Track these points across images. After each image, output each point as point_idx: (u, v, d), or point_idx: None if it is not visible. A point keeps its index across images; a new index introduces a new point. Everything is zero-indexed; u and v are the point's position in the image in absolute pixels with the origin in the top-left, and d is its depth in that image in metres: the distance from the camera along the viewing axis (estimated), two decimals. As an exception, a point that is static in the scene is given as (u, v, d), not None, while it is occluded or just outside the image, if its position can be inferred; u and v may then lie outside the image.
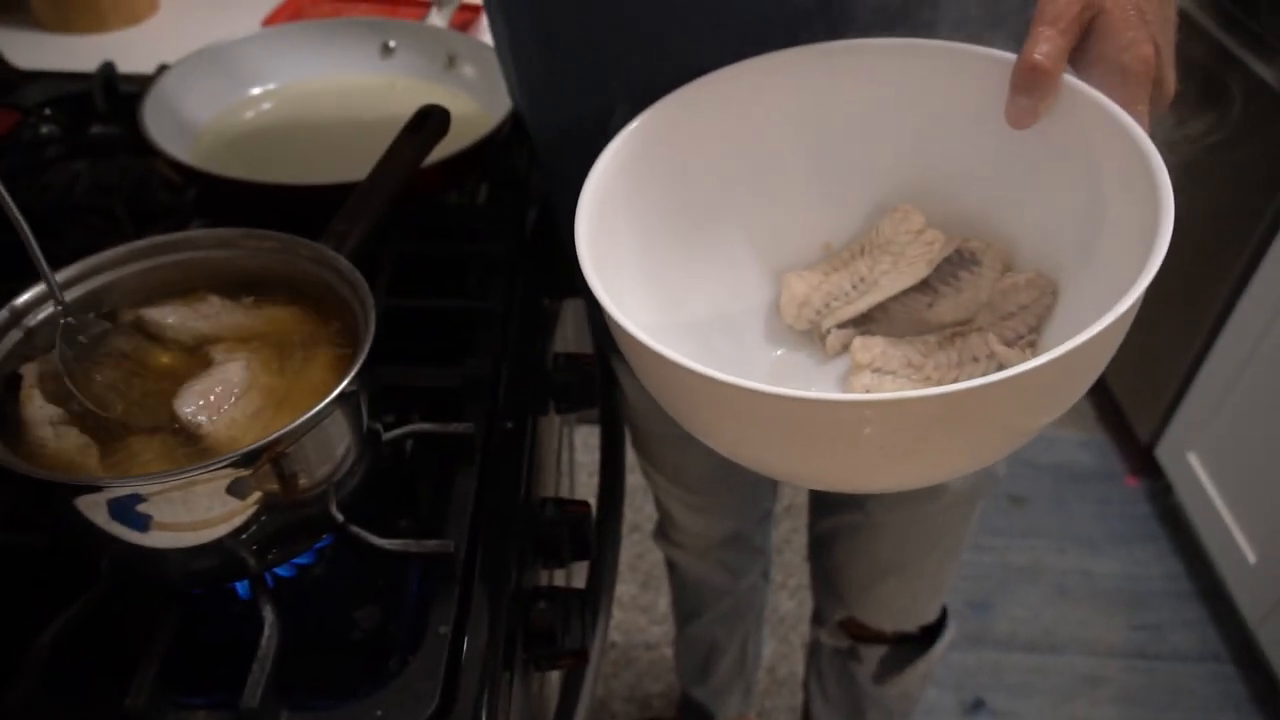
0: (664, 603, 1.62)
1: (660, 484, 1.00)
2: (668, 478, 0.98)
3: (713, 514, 1.03)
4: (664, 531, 1.12)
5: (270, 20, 1.10)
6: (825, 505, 0.97)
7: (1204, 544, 1.66)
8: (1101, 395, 2.01)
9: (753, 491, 1.05)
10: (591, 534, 0.67)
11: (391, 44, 0.94)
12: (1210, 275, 1.61)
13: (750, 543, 1.13)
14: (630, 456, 0.91)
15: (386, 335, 0.67)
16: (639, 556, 1.71)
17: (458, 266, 0.76)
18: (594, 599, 0.67)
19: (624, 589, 1.66)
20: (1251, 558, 1.52)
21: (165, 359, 0.54)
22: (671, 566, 1.20)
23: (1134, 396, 1.87)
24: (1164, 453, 1.77)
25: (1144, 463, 1.85)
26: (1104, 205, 0.45)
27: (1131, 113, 0.46)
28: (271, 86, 0.90)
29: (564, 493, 0.93)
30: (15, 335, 0.52)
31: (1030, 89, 0.47)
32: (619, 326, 0.43)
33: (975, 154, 0.52)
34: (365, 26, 0.94)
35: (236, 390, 0.50)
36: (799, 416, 0.38)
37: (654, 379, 0.44)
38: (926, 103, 0.52)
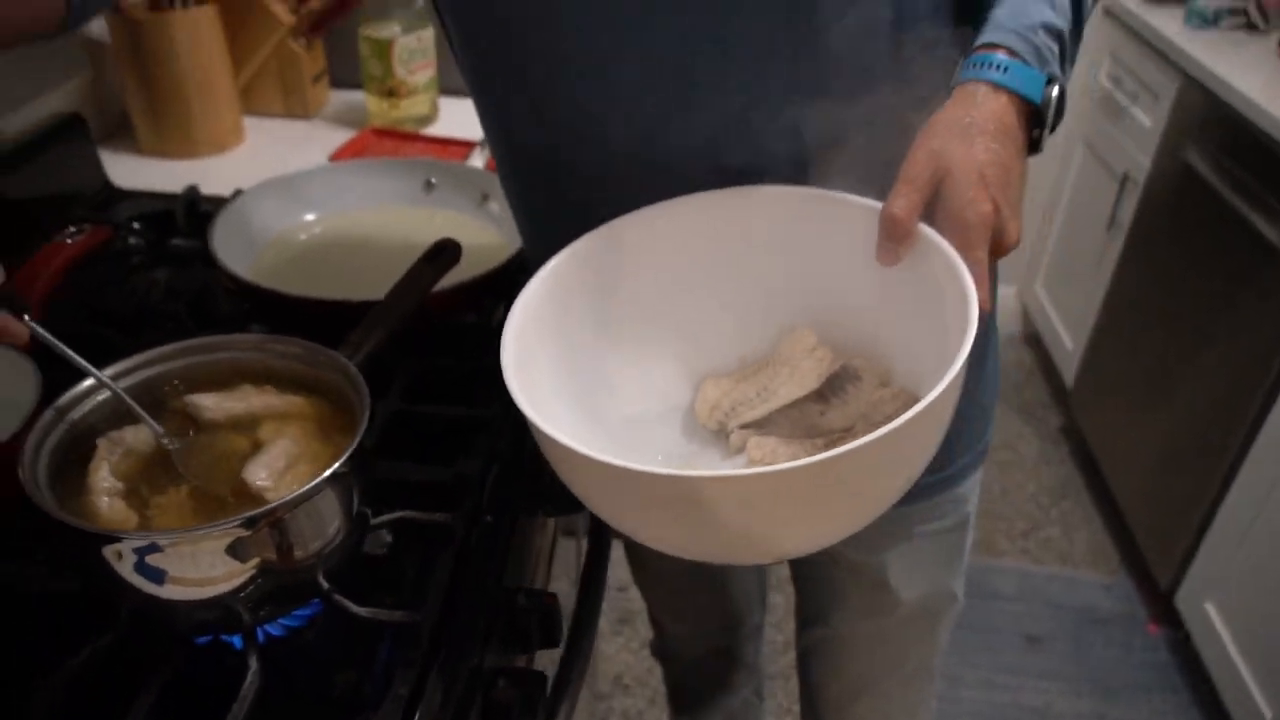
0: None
1: (645, 588, 1.06)
2: (649, 580, 1.04)
3: (696, 621, 1.09)
4: (656, 642, 1.17)
5: (337, 155, 1.25)
6: (802, 621, 1.02)
7: (1221, 697, 1.64)
8: (1124, 539, 2.02)
9: (735, 597, 1.10)
10: (559, 624, 0.75)
11: (434, 180, 1.07)
12: (1223, 426, 1.64)
13: (740, 658, 1.17)
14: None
15: (397, 434, 0.77)
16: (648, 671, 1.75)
17: (468, 379, 0.86)
18: (561, 685, 0.74)
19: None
20: (1268, 714, 1.50)
21: (228, 441, 0.64)
22: (666, 678, 1.24)
23: (1154, 543, 1.88)
24: (1183, 602, 1.77)
25: (1165, 610, 1.84)
26: (948, 333, 0.54)
27: (970, 258, 0.55)
28: (326, 214, 1.04)
29: (554, 588, 1.00)
30: (79, 412, 0.62)
31: (891, 235, 0.57)
32: (529, 420, 0.52)
33: (857, 286, 0.61)
34: (412, 165, 1.08)
35: (286, 461, 0.60)
36: (661, 490, 0.47)
37: (561, 468, 0.53)
38: (816, 243, 0.63)
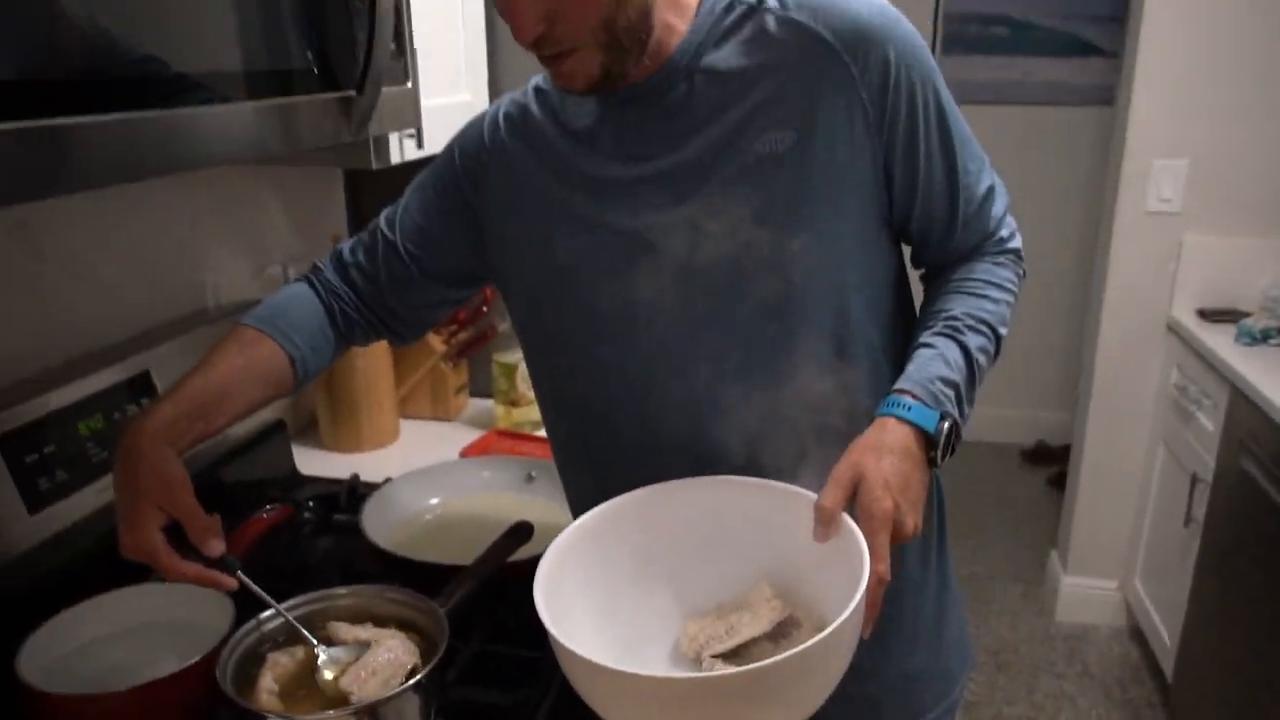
0: None
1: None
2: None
3: None
4: None
5: (466, 452, 1.60)
6: None
7: None
8: None
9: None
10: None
11: (533, 474, 1.38)
12: None
13: None
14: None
15: (476, 667, 1.02)
16: None
17: (535, 628, 1.11)
18: None
19: None
20: None
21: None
22: None
23: None
24: None
25: None
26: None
27: (874, 541, 0.77)
28: (448, 497, 1.36)
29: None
30: (255, 636, 0.91)
31: (820, 521, 0.80)
32: (546, 627, 0.75)
33: (801, 555, 0.83)
34: (518, 462, 1.40)
35: (370, 672, 0.86)
36: (631, 687, 0.70)
37: (569, 672, 0.76)
38: (772, 522, 0.85)
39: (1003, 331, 0.95)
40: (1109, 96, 3.37)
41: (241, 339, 0.95)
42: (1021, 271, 1.01)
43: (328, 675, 0.88)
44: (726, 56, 0.86)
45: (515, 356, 1.70)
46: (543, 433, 1.69)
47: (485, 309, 1.74)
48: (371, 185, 1.88)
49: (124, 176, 0.77)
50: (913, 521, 0.81)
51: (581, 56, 0.81)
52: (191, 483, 0.84)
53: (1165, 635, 2.41)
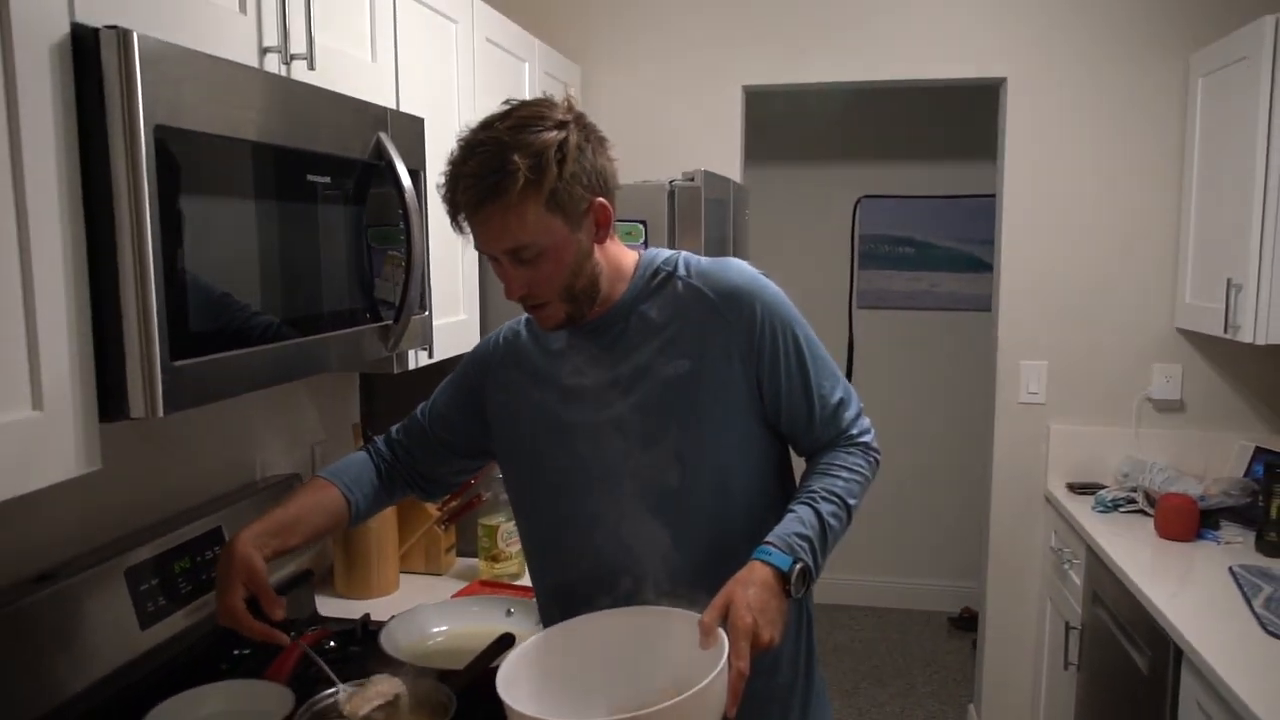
0: None
1: None
2: None
3: None
4: None
5: (458, 594, 1.97)
6: None
7: None
8: None
9: None
10: None
11: (512, 610, 1.76)
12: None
13: None
14: None
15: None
16: None
17: None
18: None
19: None
20: None
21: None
22: None
23: None
24: None
25: None
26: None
27: (736, 646, 1.09)
28: (447, 628, 1.72)
29: None
30: (314, 710, 1.27)
31: (703, 632, 1.13)
32: (502, 701, 1.08)
33: (695, 661, 1.11)
34: (499, 600, 1.78)
35: (368, 697, 1.22)
36: None
37: None
38: (674, 634, 1.15)
39: (851, 503, 1.26)
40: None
41: (315, 485, 1.37)
42: (872, 459, 1.32)
43: (344, 707, 1.24)
44: (650, 306, 1.29)
45: (496, 520, 2.10)
46: (519, 582, 2.08)
47: (473, 482, 2.15)
48: (381, 385, 2.34)
49: (283, 379, 1.23)
50: (768, 634, 1.11)
51: (552, 308, 1.24)
52: (268, 574, 1.23)
53: (1063, 774, 2.73)
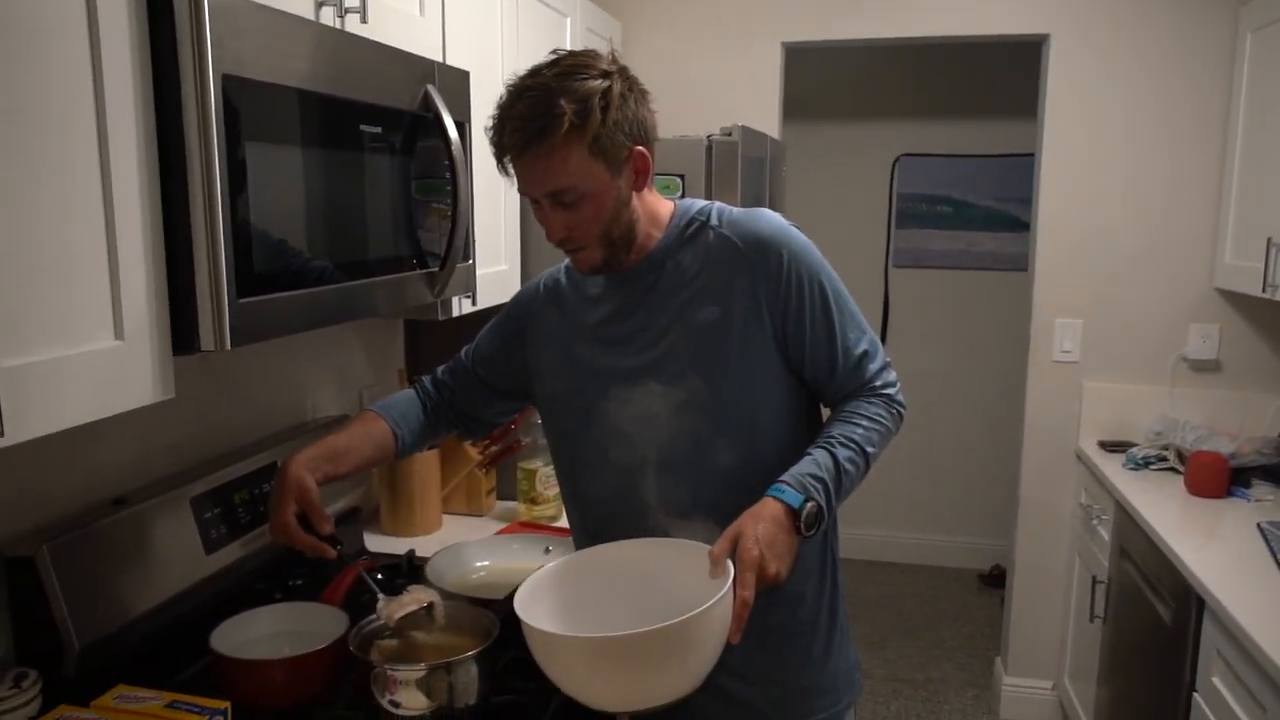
0: None
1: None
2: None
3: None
4: None
5: (501, 531, 2.05)
6: None
7: None
8: None
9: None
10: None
11: (550, 548, 1.84)
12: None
13: None
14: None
15: (512, 667, 1.44)
16: None
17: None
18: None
19: None
20: None
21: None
22: None
23: None
24: None
25: None
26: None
27: (742, 579, 1.09)
28: (489, 563, 1.81)
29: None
30: (367, 630, 1.35)
31: (712, 561, 1.18)
32: (519, 617, 1.14)
33: (704, 588, 1.14)
34: (539, 539, 1.86)
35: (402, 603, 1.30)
36: (556, 645, 1.08)
37: (531, 645, 1.12)
38: (686, 563, 1.20)
39: (869, 450, 1.28)
40: (1036, 264, 3.97)
41: (365, 417, 1.44)
42: (895, 411, 1.34)
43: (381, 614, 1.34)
44: (684, 256, 1.34)
45: (535, 464, 2.18)
46: (557, 524, 2.15)
47: (513, 427, 2.23)
48: (425, 332, 2.41)
49: (336, 320, 1.30)
50: (774, 567, 1.14)
51: (589, 251, 1.29)
52: (318, 491, 1.31)
53: (1087, 725, 2.79)
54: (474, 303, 1.94)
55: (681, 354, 1.31)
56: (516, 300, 1.52)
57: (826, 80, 4.31)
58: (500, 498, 2.34)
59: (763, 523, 1.16)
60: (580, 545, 1.52)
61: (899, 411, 1.36)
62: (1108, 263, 2.96)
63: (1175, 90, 2.86)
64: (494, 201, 2.09)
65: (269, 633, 1.44)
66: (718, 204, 1.38)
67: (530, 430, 2.21)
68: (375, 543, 2.05)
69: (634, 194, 1.29)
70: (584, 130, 1.20)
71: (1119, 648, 2.53)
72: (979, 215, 4.31)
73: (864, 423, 1.30)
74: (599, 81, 1.21)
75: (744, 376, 1.31)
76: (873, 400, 1.34)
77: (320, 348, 2.04)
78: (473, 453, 2.22)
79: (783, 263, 1.30)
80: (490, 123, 1.25)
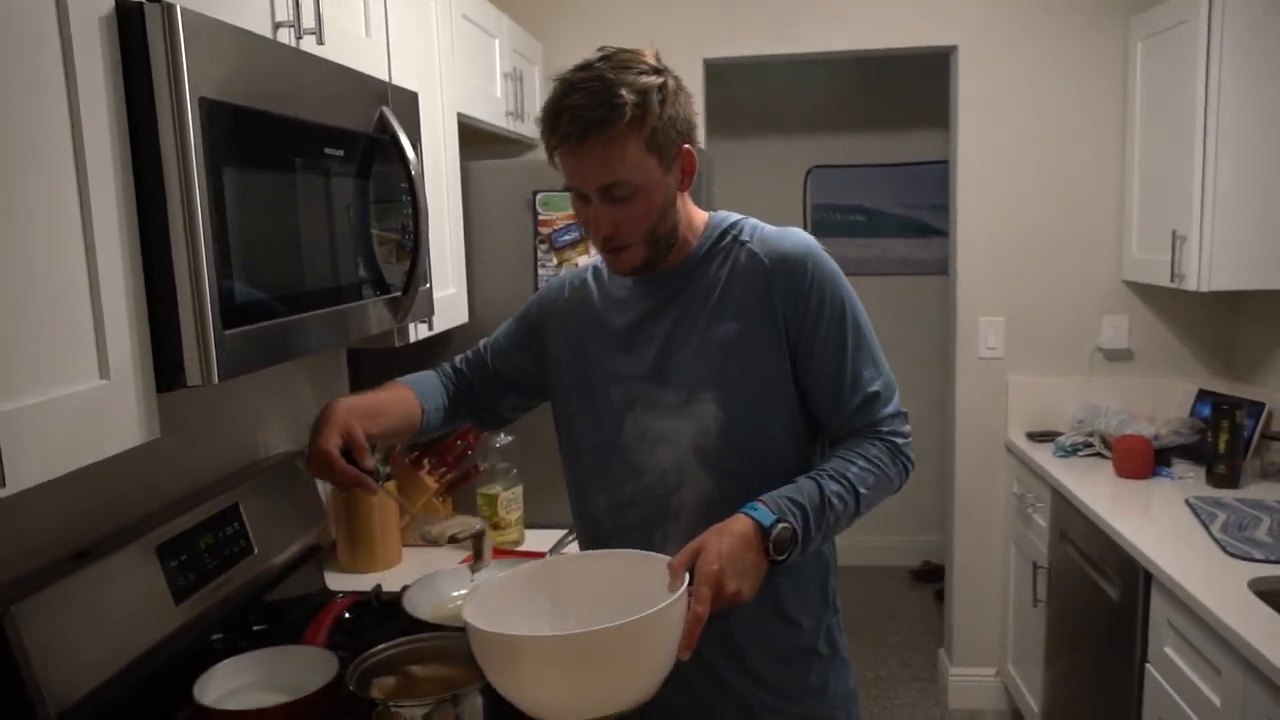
0: None
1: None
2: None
3: None
4: None
5: (466, 559, 2.00)
6: None
7: None
8: None
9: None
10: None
11: (524, 572, 1.80)
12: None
13: None
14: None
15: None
16: None
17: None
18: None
19: None
20: None
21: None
22: None
23: None
24: None
25: None
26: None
27: (698, 593, 1.05)
28: (464, 591, 1.76)
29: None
30: (363, 668, 1.31)
31: (672, 574, 1.14)
32: (465, 622, 1.11)
33: (662, 591, 1.13)
34: (511, 564, 1.82)
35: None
36: (506, 646, 1.02)
37: (477, 654, 1.07)
38: (647, 575, 1.16)
39: (862, 490, 1.24)
40: (946, 267, 4.11)
41: (396, 386, 1.41)
42: (900, 462, 1.30)
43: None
44: (714, 266, 1.32)
45: (495, 489, 2.14)
46: (519, 548, 2.12)
47: (469, 452, 2.19)
48: (368, 363, 2.35)
49: (315, 349, 1.25)
50: (734, 584, 1.09)
51: (632, 250, 1.27)
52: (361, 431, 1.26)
53: (1035, 707, 2.88)
54: (430, 327, 1.90)
55: (697, 366, 1.30)
56: (539, 297, 1.50)
57: (740, 96, 4.40)
58: (457, 526, 2.29)
59: (728, 538, 1.12)
60: (586, 550, 1.49)
61: (905, 465, 1.32)
62: (1024, 261, 3.09)
63: (1076, 96, 3.02)
64: (440, 225, 2.05)
65: (252, 680, 1.38)
66: (751, 219, 1.37)
67: (488, 455, 2.17)
68: (335, 581, 1.98)
69: (679, 194, 1.29)
70: (644, 122, 1.19)
71: (1062, 629, 2.64)
72: (891, 223, 4.46)
73: (860, 462, 1.26)
74: (654, 77, 1.21)
75: (757, 392, 1.29)
76: (876, 443, 1.29)
77: (267, 384, 1.97)
78: (430, 481, 2.17)
79: (806, 278, 1.28)
80: (541, 115, 1.23)
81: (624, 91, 1.17)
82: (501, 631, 1.04)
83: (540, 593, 1.20)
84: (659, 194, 1.24)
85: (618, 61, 1.20)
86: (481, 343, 1.53)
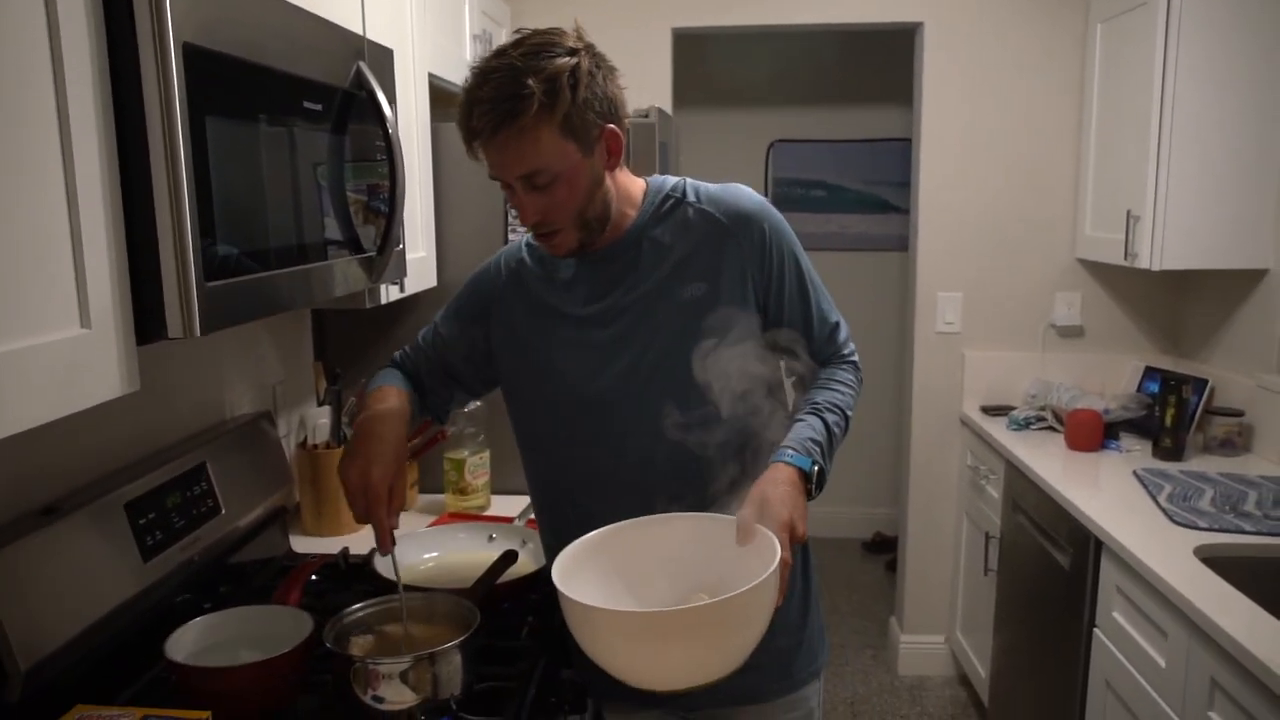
0: None
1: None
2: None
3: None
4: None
5: (434, 523, 2.00)
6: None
7: None
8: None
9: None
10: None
11: (494, 535, 1.81)
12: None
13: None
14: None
15: (485, 652, 1.42)
16: None
17: (517, 624, 1.53)
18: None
19: None
20: None
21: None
22: None
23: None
24: None
25: None
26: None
27: (779, 539, 1.14)
28: (435, 554, 1.76)
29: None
30: (341, 625, 1.30)
31: (741, 529, 1.18)
32: (559, 592, 1.15)
33: (727, 562, 1.18)
34: (483, 526, 1.83)
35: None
36: (605, 622, 1.07)
37: (566, 616, 1.13)
38: (711, 537, 1.22)
39: (849, 414, 1.36)
40: (904, 244, 4.18)
41: (402, 397, 1.39)
42: (859, 377, 1.44)
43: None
44: (661, 232, 1.33)
45: (462, 454, 2.14)
46: (485, 513, 2.12)
47: (437, 417, 2.18)
48: (332, 323, 2.32)
49: (297, 305, 1.23)
50: (801, 528, 1.17)
51: (564, 234, 1.28)
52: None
53: (982, 673, 2.97)
54: (402, 289, 1.89)
55: (668, 330, 1.31)
56: (476, 285, 1.47)
57: (705, 69, 4.39)
58: (423, 491, 2.28)
59: (782, 485, 1.19)
60: (544, 529, 1.51)
61: (861, 376, 1.46)
62: (982, 238, 3.15)
63: (1038, 75, 3.07)
64: (411, 187, 2.03)
65: (223, 638, 1.36)
66: (688, 179, 1.39)
67: (456, 420, 2.17)
68: (301, 544, 1.96)
69: (607, 173, 1.28)
70: (554, 110, 1.18)
71: (1012, 597, 2.71)
72: (850, 199, 4.50)
73: (842, 389, 1.38)
74: (566, 59, 1.20)
75: (731, 349, 1.31)
76: (844, 367, 1.43)
77: (232, 344, 1.93)
78: (395, 446, 2.16)
79: (765, 236, 1.33)
80: (459, 107, 1.22)
81: (530, 81, 1.16)
82: (605, 607, 1.06)
83: (614, 556, 1.22)
84: (583, 177, 1.24)
85: (529, 47, 1.20)
86: (421, 335, 1.52)
